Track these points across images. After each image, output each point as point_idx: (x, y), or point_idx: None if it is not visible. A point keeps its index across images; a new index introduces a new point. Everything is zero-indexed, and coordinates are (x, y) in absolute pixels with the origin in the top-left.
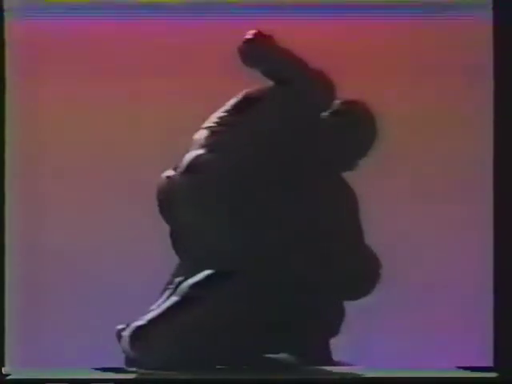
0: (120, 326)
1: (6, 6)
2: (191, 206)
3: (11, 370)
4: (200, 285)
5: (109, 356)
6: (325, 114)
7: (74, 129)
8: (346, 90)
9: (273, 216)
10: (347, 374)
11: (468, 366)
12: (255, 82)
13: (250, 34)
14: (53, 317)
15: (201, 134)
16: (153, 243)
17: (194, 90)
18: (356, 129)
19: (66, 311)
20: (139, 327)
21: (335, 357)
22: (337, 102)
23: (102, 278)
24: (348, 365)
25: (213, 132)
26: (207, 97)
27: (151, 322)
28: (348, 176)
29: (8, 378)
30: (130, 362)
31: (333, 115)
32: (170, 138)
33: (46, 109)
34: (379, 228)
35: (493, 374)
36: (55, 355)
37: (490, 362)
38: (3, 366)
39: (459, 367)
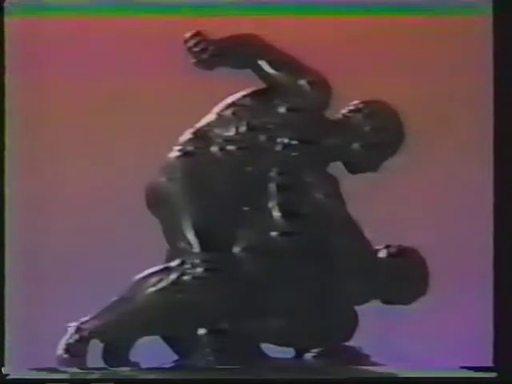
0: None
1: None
2: (171, 206)
3: (11, 369)
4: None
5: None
6: (348, 114)
7: (74, 126)
8: (346, 89)
9: (272, 217)
10: (346, 373)
11: (468, 365)
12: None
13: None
14: (53, 316)
15: (186, 136)
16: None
17: (192, 89)
18: (386, 130)
19: (66, 311)
20: (83, 322)
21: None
22: (359, 102)
23: (103, 275)
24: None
25: (207, 132)
26: (202, 97)
27: (92, 317)
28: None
29: (8, 377)
30: (64, 360)
31: (358, 116)
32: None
33: (47, 107)
34: (379, 229)
35: (493, 374)
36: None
37: (489, 362)
38: (3, 365)
39: (459, 367)
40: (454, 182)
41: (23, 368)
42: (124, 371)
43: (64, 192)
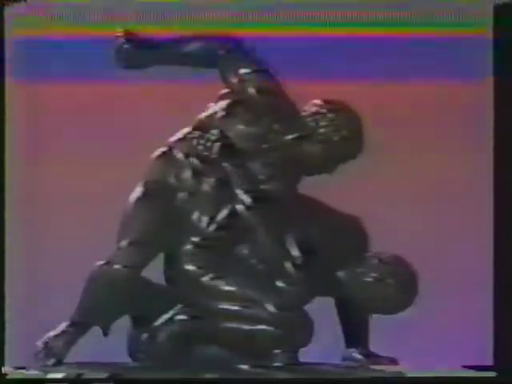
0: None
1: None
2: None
3: (11, 369)
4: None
5: (109, 356)
6: (303, 113)
7: (74, 129)
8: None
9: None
10: (343, 373)
11: (468, 365)
12: None
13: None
14: (54, 316)
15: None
16: None
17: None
18: (343, 131)
19: (67, 310)
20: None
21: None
22: (316, 102)
23: None
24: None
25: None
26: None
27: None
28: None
29: (8, 377)
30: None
31: (308, 114)
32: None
33: (46, 109)
34: (377, 230)
35: (492, 374)
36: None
37: (489, 362)
38: (3, 365)
39: (459, 367)
40: (452, 183)
41: (23, 367)
42: (125, 371)
43: (63, 192)
